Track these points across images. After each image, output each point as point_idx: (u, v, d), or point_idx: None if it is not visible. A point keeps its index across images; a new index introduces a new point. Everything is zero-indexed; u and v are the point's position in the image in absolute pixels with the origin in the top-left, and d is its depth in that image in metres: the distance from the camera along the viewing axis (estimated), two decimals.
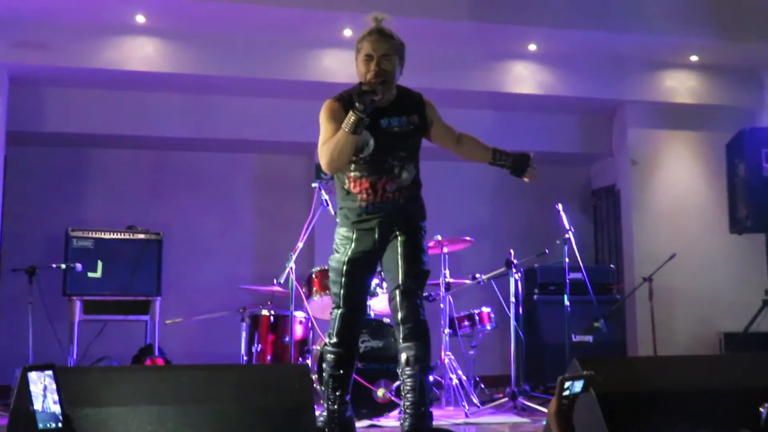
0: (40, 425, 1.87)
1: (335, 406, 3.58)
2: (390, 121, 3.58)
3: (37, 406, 1.88)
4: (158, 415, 2.34)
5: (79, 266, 5.86)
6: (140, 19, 6.26)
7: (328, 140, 3.48)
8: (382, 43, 3.55)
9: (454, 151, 3.84)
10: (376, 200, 3.60)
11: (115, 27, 6.33)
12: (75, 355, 5.89)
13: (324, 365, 3.66)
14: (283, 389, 2.55)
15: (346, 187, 3.65)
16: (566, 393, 2.30)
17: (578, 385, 2.30)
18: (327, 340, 3.66)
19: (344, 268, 3.60)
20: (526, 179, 3.79)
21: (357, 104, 3.34)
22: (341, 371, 3.61)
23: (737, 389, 2.93)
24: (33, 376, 1.87)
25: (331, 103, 3.59)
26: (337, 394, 3.60)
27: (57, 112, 6.80)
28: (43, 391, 1.87)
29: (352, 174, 3.61)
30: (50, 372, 1.87)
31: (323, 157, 3.49)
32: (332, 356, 3.61)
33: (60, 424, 1.86)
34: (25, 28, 6.19)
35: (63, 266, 5.86)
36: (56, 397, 1.87)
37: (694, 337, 7.22)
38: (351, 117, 3.34)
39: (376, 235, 3.62)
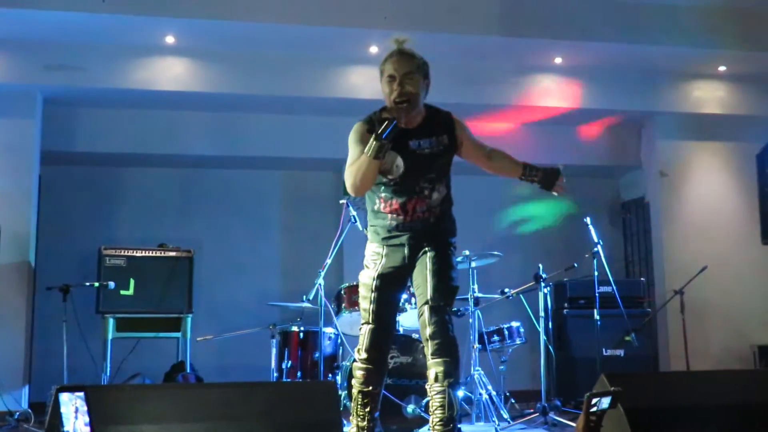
0: None
1: (364, 423, 3.59)
2: (420, 143, 3.56)
3: (68, 427, 1.90)
4: None
5: (111, 284, 5.93)
6: (170, 39, 6.35)
7: (353, 164, 3.51)
8: (404, 62, 3.55)
9: (485, 167, 3.83)
10: (406, 220, 3.61)
11: (145, 48, 6.43)
12: (108, 372, 5.96)
13: (353, 381, 3.66)
14: (312, 406, 2.57)
15: (376, 207, 3.67)
16: (594, 409, 2.29)
17: (605, 401, 2.30)
18: (356, 356, 3.67)
19: (374, 283, 3.60)
20: (555, 192, 3.78)
21: (377, 131, 3.35)
22: (371, 387, 3.61)
23: None
24: (65, 397, 1.89)
25: (359, 126, 3.61)
26: (367, 410, 3.60)
27: (89, 132, 6.91)
28: (74, 413, 1.89)
29: (382, 195, 3.62)
30: (81, 394, 1.89)
31: (347, 180, 3.51)
32: (362, 372, 3.61)
33: None
34: (58, 50, 6.30)
35: (96, 284, 5.94)
36: (87, 419, 1.89)
37: (727, 351, 7.13)
38: (372, 143, 3.36)
39: (406, 251, 3.62)
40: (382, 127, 3.32)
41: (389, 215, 3.61)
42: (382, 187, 3.58)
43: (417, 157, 3.53)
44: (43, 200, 6.68)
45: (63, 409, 1.90)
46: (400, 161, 3.53)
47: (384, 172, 3.49)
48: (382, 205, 3.62)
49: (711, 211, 7.47)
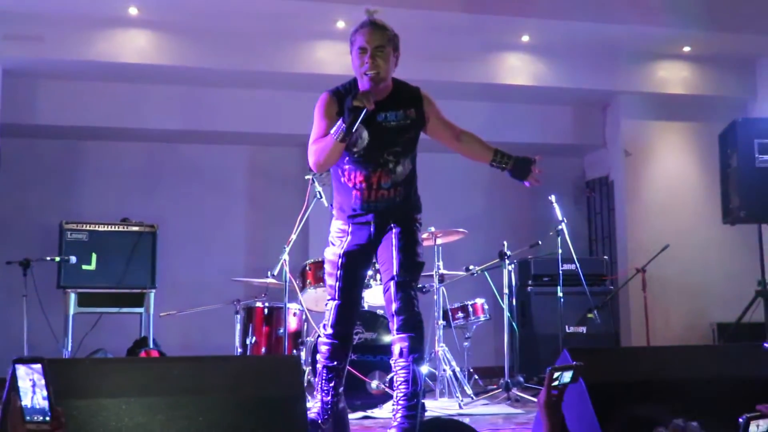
0: (28, 420, 1.85)
1: (328, 398, 3.59)
2: (386, 115, 3.53)
3: (26, 401, 1.86)
4: (150, 407, 2.34)
5: (73, 259, 5.86)
6: (133, 11, 6.25)
7: (317, 140, 3.48)
8: (376, 34, 3.51)
9: (453, 147, 3.79)
10: (370, 197, 3.59)
11: (108, 19, 6.32)
12: (70, 348, 5.90)
13: (318, 356, 3.67)
14: (275, 380, 2.56)
15: (341, 180, 3.65)
16: (555, 383, 2.31)
17: (567, 376, 2.31)
18: (322, 332, 3.67)
19: (340, 261, 3.60)
20: (527, 183, 3.74)
21: (345, 117, 3.31)
22: (335, 362, 3.61)
23: (728, 379, 2.94)
24: (21, 371, 1.85)
25: (326, 97, 3.57)
26: (331, 385, 3.60)
27: (50, 104, 6.80)
28: (32, 386, 1.85)
29: (346, 167, 3.60)
30: (39, 366, 1.84)
31: (311, 157, 3.50)
32: (327, 347, 3.61)
33: (48, 419, 1.84)
34: (18, 21, 6.18)
35: (57, 259, 5.87)
36: (45, 393, 1.84)
37: (687, 328, 7.25)
38: (340, 128, 3.33)
39: (372, 229, 3.62)
40: (351, 118, 3.28)
41: (353, 190, 3.59)
42: (347, 158, 3.55)
43: (382, 129, 3.50)
44: (3, 173, 6.56)
45: (20, 383, 1.85)
46: (365, 133, 3.51)
47: (348, 145, 3.47)
48: (346, 177, 3.60)
49: (673, 191, 7.57)
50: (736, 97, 7.59)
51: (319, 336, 3.73)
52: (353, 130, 3.31)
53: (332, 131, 3.36)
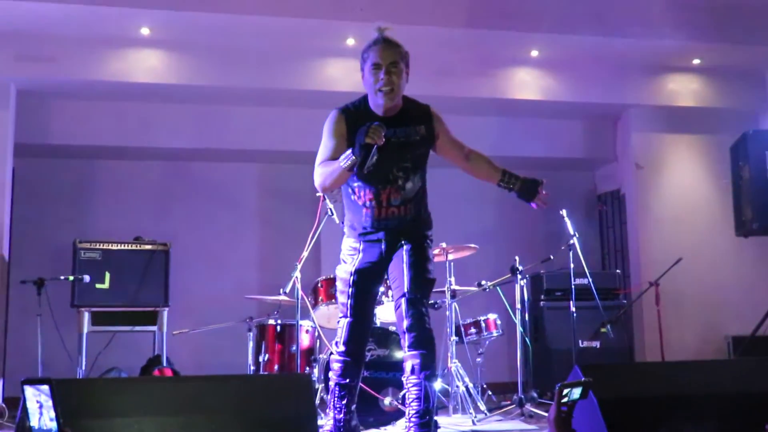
0: None
1: (341, 415, 3.60)
2: (395, 131, 3.54)
3: (33, 422, 1.85)
4: (162, 426, 2.36)
5: (86, 278, 5.89)
6: (145, 31, 6.30)
7: (324, 163, 3.49)
8: (389, 51, 3.54)
9: (461, 167, 3.80)
10: (381, 215, 3.60)
11: (120, 39, 6.38)
12: (84, 367, 5.92)
13: (330, 373, 3.67)
14: (287, 399, 2.57)
15: (351, 198, 3.66)
16: (565, 400, 2.31)
17: (577, 392, 2.31)
18: (334, 349, 3.67)
19: (352, 278, 3.61)
20: (534, 205, 3.73)
21: (356, 151, 3.28)
22: (348, 380, 3.62)
23: (742, 394, 2.92)
24: (29, 392, 1.85)
25: (336, 115, 3.59)
26: (344, 402, 3.61)
27: (64, 124, 6.85)
28: (39, 408, 1.84)
29: (355, 184, 3.62)
30: (46, 387, 1.84)
31: (317, 179, 3.51)
32: (339, 364, 3.62)
33: None
34: (32, 42, 6.24)
35: (71, 278, 5.89)
36: (53, 414, 1.84)
37: (701, 341, 7.20)
38: (350, 159, 3.30)
39: (383, 246, 3.63)
40: (363, 155, 3.25)
41: (363, 208, 3.60)
42: (355, 177, 3.56)
43: (392, 145, 3.49)
44: (17, 193, 6.61)
45: (28, 404, 1.85)
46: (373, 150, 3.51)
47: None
48: (356, 195, 3.62)
49: (685, 203, 7.53)
50: (746, 109, 7.56)
51: (331, 353, 3.73)
52: (366, 166, 3.30)
53: (341, 160, 3.35)
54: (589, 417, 2.58)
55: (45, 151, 7.03)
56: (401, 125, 3.59)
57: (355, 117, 3.50)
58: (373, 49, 3.54)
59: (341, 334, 3.63)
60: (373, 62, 3.52)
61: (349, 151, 3.33)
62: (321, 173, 3.49)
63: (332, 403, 3.63)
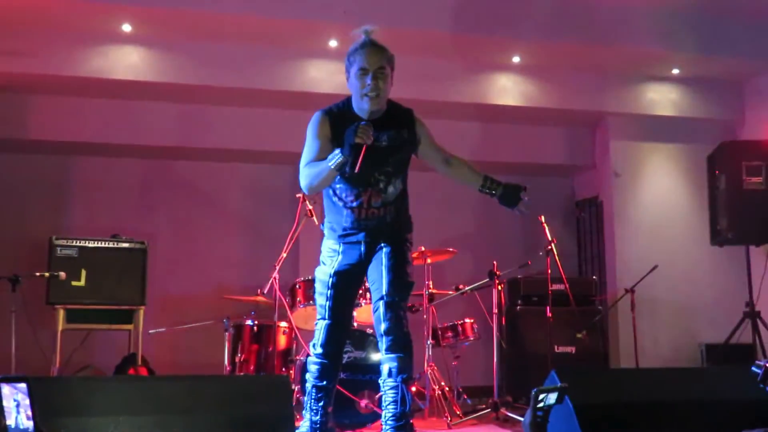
0: None
1: (317, 417, 3.60)
2: (378, 135, 3.53)
3: (10, 421, 1.83)
4: (139, 426, 2.35)
5: (62, 275, 5.83)
6: (126, 28, 6.26)
7: (310, 164, 3.49)
8: (377, 55, 3.54)
9: (442, 172, 3.81)
10: (361, 216, 3.61)
11: (101, 35, 6.33)
12: (58, 364, 5.87)
13: (307, 375, 3.67)
14: (264, 400, 2.57)
15: (332, 200, 3.66)
16: (540, 405, 2.33)
17: (552, 397, 2.33)
18: (311, 351, 3.67)
19: (331, 280, 3.61)
20: (517, 212, 3.74)
21: (345, 151, 3.32)
22: (325, 382, 3.62)
23: (716, 402, 2.96)
24: (6, 390, 1.82)
25: (319, 117, 3.59)
26: (320, 405, 3.61)
27: (42, 119, 6.78)
28: (16, 406, 1.82)
29: (337, 186, 3.62)
30: (24, 385, 1.82)
31: (303, 180, 3.51)
32: (317, 367, 3.62)
33: None
34: (10, 35, 6.18)
35: (46, 274, 5.84)
36: (30, 413, 1.81)
37: (675, 348, 7.26)
38: (338, 159, 3.33)
39: (363, 249, 3.63)
40: (354, 155, 3.30)
41: (344, 210, 3.61)
42: (337, 178, 3.57)
43: (375, 149, 3.49)
44: None
45: (5, 403, 1.82)
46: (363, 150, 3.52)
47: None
48: (337, 197, 3.62)
49: (662, 212, 7.60)
50: (724, 119, 7.65)
51: (308, 355, 3.73)
52: (357, 165, 3.31)
53: (329, 160, 3.36)
54: (564, 422, 2.60)
55: (22, 146, 6.96)
56: (385, 129, 3.59)
57: (339, 119, 3.51)
58: (360, 53, 3.54)
59: (319, 336, 3.63)
60: (360, 66, 3.52)
61: (337, 152, 3.34)
62: (307, 174, 3.49)
63: (308, 405, 3.63)
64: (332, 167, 3.35)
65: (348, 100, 3.63)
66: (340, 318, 3.65)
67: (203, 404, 2.46)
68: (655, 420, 2.76)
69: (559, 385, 2.35)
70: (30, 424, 1.80)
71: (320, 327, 3.63)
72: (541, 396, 2.31)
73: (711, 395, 3.02)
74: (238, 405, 2.49)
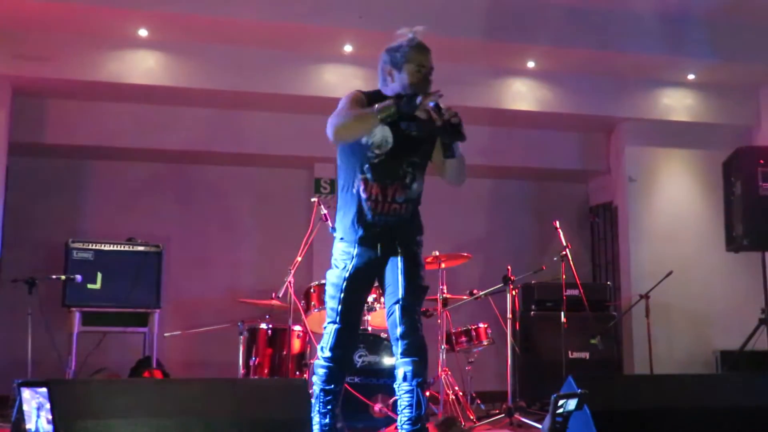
0: None
1: (327, 420, 3.59)
2: (409, 125, 3.58)
3: (30, 425, 1.84)
4: (157, 428, 2.36)
5: (78, 277, 5.87)
6: (143, 32, 6.31)
7: (345, 110, 3.49)
8: (430, 57, 3.71)
9: (440, 172, 3.81)
10: (383, 210, 3.58)
11: (117, 40, 6.38)
12: (73, 366, 5.90)
13: (315, 378, 3.65)
14: (282, 404, 2.58)
15: (354, 190, 3.62)
16: (560, 411, 2.32)
17: (572, 403, 2.33)
18: (319, 354, 3.66)
19: (344, 284, 3.59)
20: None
21: (404, 101, 3.38)
22: (333, 385, 3.60)
23: (731, 408, 2.95)
24: (26, 394, 1.83)
25: (357, 93, 3.63)
26: (329, 408, 3.60)
27: (59, 123, 6.83)
28: (36, 410, 1.83)
29: (363, 176, 3.59)
30: (44, 390, 1.83)
31: (337, 119, 3.44)
32: (324, 370, 3.60)
33: None
34: (29, 40, 6.24)
35: (63, 277, 5.88)
36: (50, 417, 1.82)
37: (690, 355, 7.23)
38: (390, 107, 3.37)
39: (378, 252, 3.62)
40: (408, 98, 3.38)
41: (365, 204, 3.57)
42: (366, 166, 3.56)
43: (405, 137, 3.55)
44: (11, 192, 6.59)
45: (25, 407, 1.83)
46: (389, 134, 3.54)
47: (375, 144, 3.50)
48: (362, 188, 3.58)
49: (677, 217, 7.58)
50: (739, 125, 7.62)
51: (317, 358, 3.72)
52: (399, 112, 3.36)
53: (377, 107, 3.38)
54: (582, 428, 2.60)
55: (40, 150, 7.01)
56: (413, 120, 3.60)
57: (374, 101, 3.52)
58: (416, 51, 3.68)
59: (328, 339, 3.61)
60: (419, 63, 3.65)
61: (389, 101, 3.37)
62: (344, 115, 3.47)
63: (317, 408, 3.62)
64: (378, 115, 3.36)
65: (378, 90, 3.67)
66: (351, 322, 3.63)
67: (223, 407, 2.47)
68: (674, 427, 2.76)
69: (579, 391, 2.35)
70: (50, 428, 1.81)
71: (329, 330, 3.62)
72: (561, 402, 2.31)
73: (728, 402, 3.01)
74: (257, 408, 2.50)
